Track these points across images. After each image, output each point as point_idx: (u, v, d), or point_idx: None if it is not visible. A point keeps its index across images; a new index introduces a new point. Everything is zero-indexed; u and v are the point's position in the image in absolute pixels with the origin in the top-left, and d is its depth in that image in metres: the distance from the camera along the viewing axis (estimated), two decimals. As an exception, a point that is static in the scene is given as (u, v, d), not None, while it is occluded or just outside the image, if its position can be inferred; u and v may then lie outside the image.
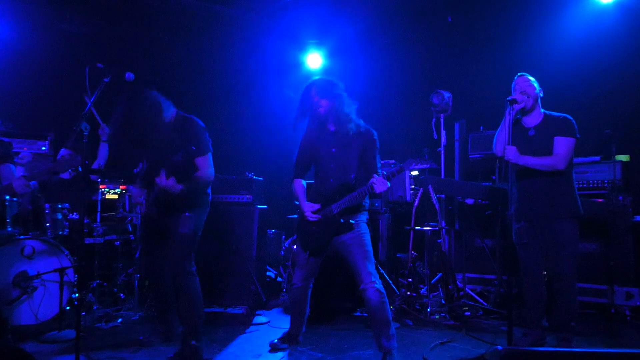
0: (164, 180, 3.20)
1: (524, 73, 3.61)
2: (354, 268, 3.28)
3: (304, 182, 3.60)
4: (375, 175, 3.15)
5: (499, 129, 3.60)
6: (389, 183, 3.15)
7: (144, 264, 3.71)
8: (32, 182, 3.74)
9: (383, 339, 3.21)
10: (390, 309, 3.31)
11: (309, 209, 3.40)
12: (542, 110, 3.61)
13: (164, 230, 3.45)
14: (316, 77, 3.59)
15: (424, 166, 3.31)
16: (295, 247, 3.63)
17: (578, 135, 3.51)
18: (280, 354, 3.56)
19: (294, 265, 3.61)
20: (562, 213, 3.48)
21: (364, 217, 3.42)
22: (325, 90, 3.40)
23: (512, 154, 3.40)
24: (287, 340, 3.67)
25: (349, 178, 3.40)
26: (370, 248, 3.33)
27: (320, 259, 3.49)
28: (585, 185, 4.76)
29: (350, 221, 3.32)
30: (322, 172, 3.50)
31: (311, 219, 3.39)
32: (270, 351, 3.61)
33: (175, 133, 3.38)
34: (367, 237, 3.36)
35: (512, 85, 3.60)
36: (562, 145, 3.45)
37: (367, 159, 3.42)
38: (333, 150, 3.43)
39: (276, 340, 3.68)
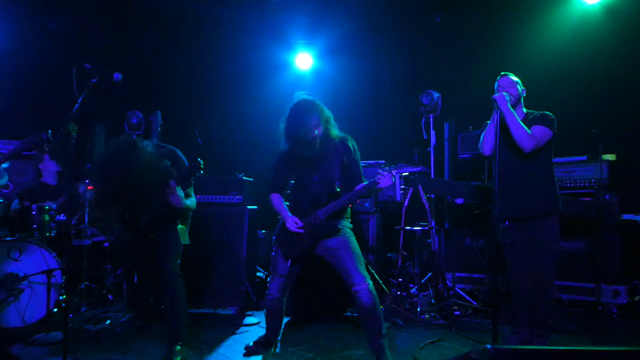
0: (174, 190, 3.30)
1: (506, 72, 3.64)
2: (344, 271, 3.24)
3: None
4: (379, 170, 3.15)
5: (486, 129, 3.62)
6: (393, 179, 3.16)
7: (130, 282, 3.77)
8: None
9: (376, 339, 3.21)
10: (381, 308, 3.31)
11: (293, 224, 3.32)
12: (525, 109, 3.64)
13: (147, 246, 3.58)
14: (298, 99, 3.42)
15: (415, 169, 3.33)
16: (273, 254, 3.61)
17: (555, 130, 3.51)
18: (267, 354, 3.55)
19: (273, 273, 3.54)
20: (542, 211, 3.51)
21: (347, 222, 3.40)
22: (314, 116, 3.29)
23: (502, 100, 3.38)
24: (263, 345, 3.64)
25: (333, 188, 3.40)
26: (358, 250, 3.30)
27: (299, 267, 3.46)
28: (572, 185, 4.80)
29: (337, 225, 3.31)
30: (304, 185, 3.45)
31: (292, 230, 3.32)
32: (245, 355, 3.56)
33: (158, 163, 3.45)
34: (354, 240, 3.34)
35: (495, 85, 3.64)
36: (537, 130, 3.45)
37: (351, 167, 3.41)
38: (315, 162, 3.37)
39: (252, 344, 3.65)
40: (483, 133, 3.64)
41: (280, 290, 3.48)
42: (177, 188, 3.32)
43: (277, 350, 3.64)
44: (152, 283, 3.98)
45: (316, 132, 3.29)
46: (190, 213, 3.72)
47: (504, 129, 3.58)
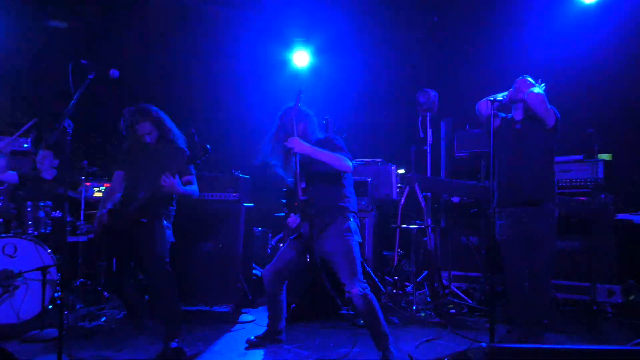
0: (170, 179, 3.33)
1: (525, 75, 3.73)
2: (338, 275, 3.26)
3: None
4: None
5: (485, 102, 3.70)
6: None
7: (110, 269, 3.70)
8: None
9: (376, 339, 3.23)
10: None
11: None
12: None
13: (131, 239, 3.51)
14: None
15: None
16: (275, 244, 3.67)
17: (559, 117, 3.60)
18: (263, 352, 3.55)
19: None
20: (536, 196, 3.56)
21: (349, 222, 3.32)
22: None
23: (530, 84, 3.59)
24: (266, 338, 3.65)
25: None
26: (353, 254, 3.23)
27: (292, 260, 3.46)
28: (568, 184, 4.81)
29: (330, 225, 3.29)
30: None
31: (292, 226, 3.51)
32: (246, 348, 3.60)
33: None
34: (352, 243, 3.25)
35: (514, 84, 3.73)
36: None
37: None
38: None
39: (253, 337, 3.67)
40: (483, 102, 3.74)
41: (270, 279, 3.51)
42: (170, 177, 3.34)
43: (283, 337, 3.65)
44: (134, 276, 3.91)
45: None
46: (173, 212, 3.68)
47: (510, 123, 3.68)
